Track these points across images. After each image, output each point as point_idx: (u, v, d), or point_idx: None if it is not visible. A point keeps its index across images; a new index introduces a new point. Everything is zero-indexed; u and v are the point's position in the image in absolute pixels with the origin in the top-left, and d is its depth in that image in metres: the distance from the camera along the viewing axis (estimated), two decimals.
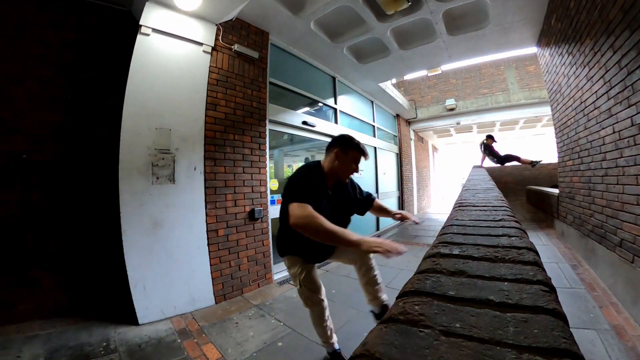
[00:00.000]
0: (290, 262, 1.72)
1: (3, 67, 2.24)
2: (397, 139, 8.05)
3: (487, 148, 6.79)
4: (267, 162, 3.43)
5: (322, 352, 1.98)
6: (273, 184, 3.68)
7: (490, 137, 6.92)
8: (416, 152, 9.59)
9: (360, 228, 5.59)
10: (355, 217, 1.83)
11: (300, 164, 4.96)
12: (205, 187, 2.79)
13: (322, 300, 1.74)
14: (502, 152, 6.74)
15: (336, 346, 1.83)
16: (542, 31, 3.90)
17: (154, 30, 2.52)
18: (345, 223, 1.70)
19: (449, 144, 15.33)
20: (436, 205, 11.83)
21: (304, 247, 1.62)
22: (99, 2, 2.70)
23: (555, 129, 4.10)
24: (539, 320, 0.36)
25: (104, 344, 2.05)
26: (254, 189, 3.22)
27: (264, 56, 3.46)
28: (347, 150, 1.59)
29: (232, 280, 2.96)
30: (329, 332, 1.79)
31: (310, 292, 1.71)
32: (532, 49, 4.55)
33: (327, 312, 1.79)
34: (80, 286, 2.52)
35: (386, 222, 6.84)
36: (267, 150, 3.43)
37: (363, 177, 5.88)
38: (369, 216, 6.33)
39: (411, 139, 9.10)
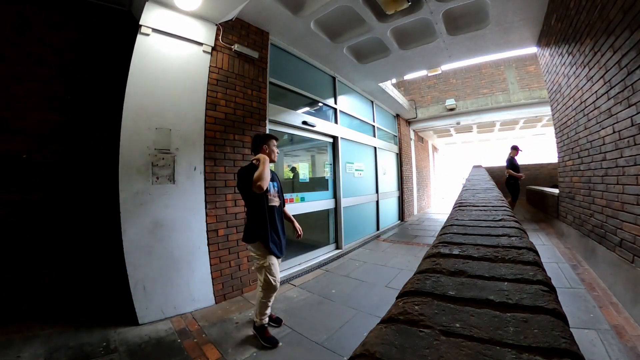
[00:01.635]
0: (256, 248, 2.12)
1: (3, 67, 2.24)
2: (397, 139, 8.06)
3: (510, 162, 5.76)
4: None
5: (322, 352, 1.99)
6: None
7: (514, 148, 5.87)
8: (416, 152, 9.59)
9: (360, 228, 5.59)
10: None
11: (301, 163, 4.97)
12: (205, 187, 2.79)
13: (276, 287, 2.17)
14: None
15: (265, 321, 2.18)
16: (542, 31, 3.90)
17: (154, 30, 2.52)
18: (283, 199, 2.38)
19: (449, 144, 15.34)
20: (436, 205, 11.83)
21: (265, 232, 2.09)
22: (99, 2, 2.70)
23: (555, 129, 4.10)
24: (539, 320, 0.36)
25: (104, 344, 2.05)
26: None
27: (264, 56, 3.46)
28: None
29: (232, 280, 2.95)
30: (267, 311, 2.18)
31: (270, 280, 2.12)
32: (532, 49, 4.55)
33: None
34: (81, 286, 2.52)
35: (386, 222, 6.84)
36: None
37: (363, 177, 5.88)
38: (370, 217, 6.33)
39: (411, 139, 9.10)
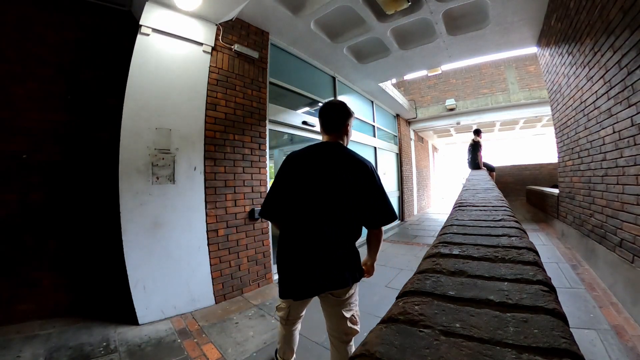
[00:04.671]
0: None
1: (3, 67, 2.24)
2: (397, 139, 8.06)
3: (476, 147, 5.79)
4: (267, 162, 3.43)
5: (322, 352, 1.98)
6: None
7: (478, 132, 5.95)
8: (416, 152, 9.59)
9: None
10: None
11: None
12: (205, 187, 2.78)
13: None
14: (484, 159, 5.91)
15: None
16: (542, 31, 3.90)
17: (154, 30, 2.52)
18: None
19: (449, 144, 15.33)
20: (436, 205, 11.83)
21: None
22: (99, 2, 2.70)
23: (555, 129, 4.10)
24: (539, 320, 0.36)
25: (104, 344, 2.05)
26: (254, 189, 3.22)
27: (264, 56, 3.46)
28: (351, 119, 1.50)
29: (232, 280, 2.95)
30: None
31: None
32: (532, 49, 4.55)
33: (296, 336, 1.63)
34: (80, 286, 2.52)
35: None
36: (267, 150, 3.43)
37: None
38: None
39: (411, 139, 9.10)
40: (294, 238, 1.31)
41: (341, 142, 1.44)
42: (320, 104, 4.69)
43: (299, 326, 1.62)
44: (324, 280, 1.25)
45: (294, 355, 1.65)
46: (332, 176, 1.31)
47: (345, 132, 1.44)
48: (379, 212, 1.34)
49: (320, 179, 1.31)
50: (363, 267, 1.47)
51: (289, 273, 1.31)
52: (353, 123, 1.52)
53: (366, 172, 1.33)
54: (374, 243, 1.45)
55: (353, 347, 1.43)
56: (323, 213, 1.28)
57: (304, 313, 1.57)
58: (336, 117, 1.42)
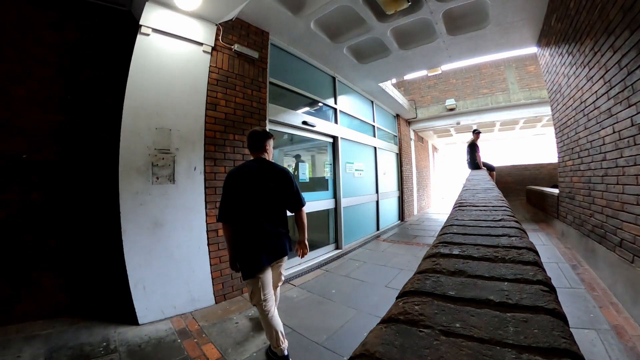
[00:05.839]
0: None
1: (3, 67, 2.24)
2: (397, 139, 8.05)
3: (473, 148, 5.97)
4: None
5: (322, 352, 1.98)
6: None
7: (477, 133, 6.14)
8: (416, 152, 9.58)
9: (360, 228, 5.58)
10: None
11: (300, 163, 4.96)
12: (205, 187, 2.79)
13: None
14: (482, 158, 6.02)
15: (285, 352, 1.85)
16: (542, 31, 3.90)
17: (154, 30, 2.52)
18: None
19: (449, 144, 15.32)
20: (436, 205, 11.83)
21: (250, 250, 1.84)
22: (99, 2, 2.70)
23: (555, 129, 4.10)
24: (539, 320, 0.36)
25: (104, 344, 2.05)
26: None
27: (264, 56, 3.46)
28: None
29: (232, 280, 2.96)
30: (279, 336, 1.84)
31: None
32: (532, 49, 4.55)
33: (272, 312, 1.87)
34: (81, 286, 2.52)
35: (386, 222, 6.84)
36: None
37: (363, 177, 5.88)
38: (370, 217, 6.30)
39: (411, 139, 9.09)
40: (248, 230, 1.80)
41: (264, 157, 1.97)
42: (321, 104, 4.73)
43: (275, 308, 1.92)
44: (273, 254, 1.88)
45: (286, 342, 1.87)
46: (263, 183, 1.85)
47: (265, 150, 1.98)
48: (294, 201, 1.97)
49: (256, 186, 1.83)
50: (298, 245, 2.07)
51: (251, 256, 1.79)
52: (272, 143, 2.08)
53: (286, 177, 1.93)
54: (300, 222, 2.03)
55: (278, 289, 2.18)
56: (263, 209, 1.83)
57: (272, 292, 1.93)
58: (257, 141, 1.96)
